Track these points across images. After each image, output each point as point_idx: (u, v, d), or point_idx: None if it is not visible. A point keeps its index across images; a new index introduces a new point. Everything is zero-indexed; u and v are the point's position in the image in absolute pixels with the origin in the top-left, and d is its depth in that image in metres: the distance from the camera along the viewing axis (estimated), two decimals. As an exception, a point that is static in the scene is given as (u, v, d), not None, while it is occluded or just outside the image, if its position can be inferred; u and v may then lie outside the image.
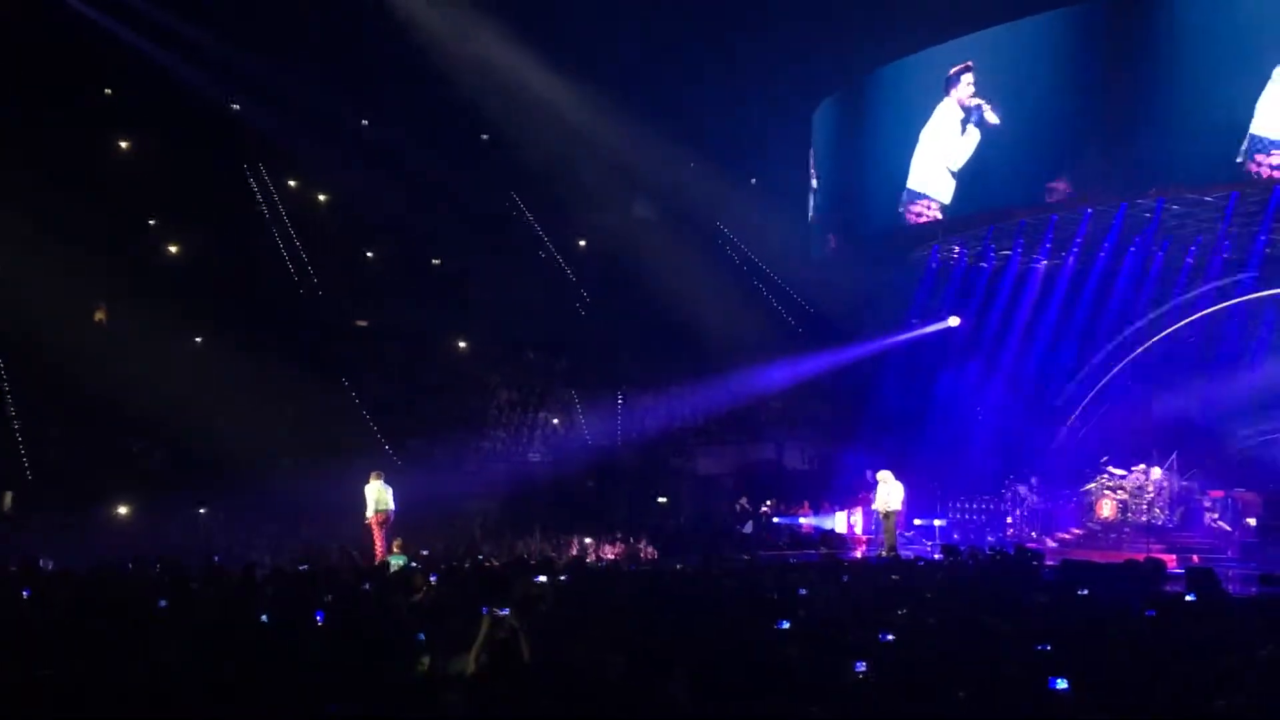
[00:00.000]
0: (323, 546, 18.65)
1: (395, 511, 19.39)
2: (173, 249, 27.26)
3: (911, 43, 25.04)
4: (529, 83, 27.42)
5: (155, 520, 20.92)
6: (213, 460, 22.02)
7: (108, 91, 27.35)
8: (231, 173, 28.38)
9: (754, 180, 32.34)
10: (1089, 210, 23.25)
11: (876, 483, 21.96)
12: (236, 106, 27.99)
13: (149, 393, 21.95)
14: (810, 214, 29.17)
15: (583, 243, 32.63)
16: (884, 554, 20.10)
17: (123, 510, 21.55)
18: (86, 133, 25.51)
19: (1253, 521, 21.08)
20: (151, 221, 27.37)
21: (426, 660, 7.93)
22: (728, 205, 31.99)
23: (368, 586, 12.23)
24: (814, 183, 28.84)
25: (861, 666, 7.34)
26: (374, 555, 18.60)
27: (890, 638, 8.66)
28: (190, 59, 26.34)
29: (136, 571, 14.38)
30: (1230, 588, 13.33)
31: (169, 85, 26.33)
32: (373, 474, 19.61)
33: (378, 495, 19.30)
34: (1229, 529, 21.31)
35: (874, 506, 22.03)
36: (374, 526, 19.18)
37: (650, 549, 22.17)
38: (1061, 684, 6.73)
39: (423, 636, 8.18)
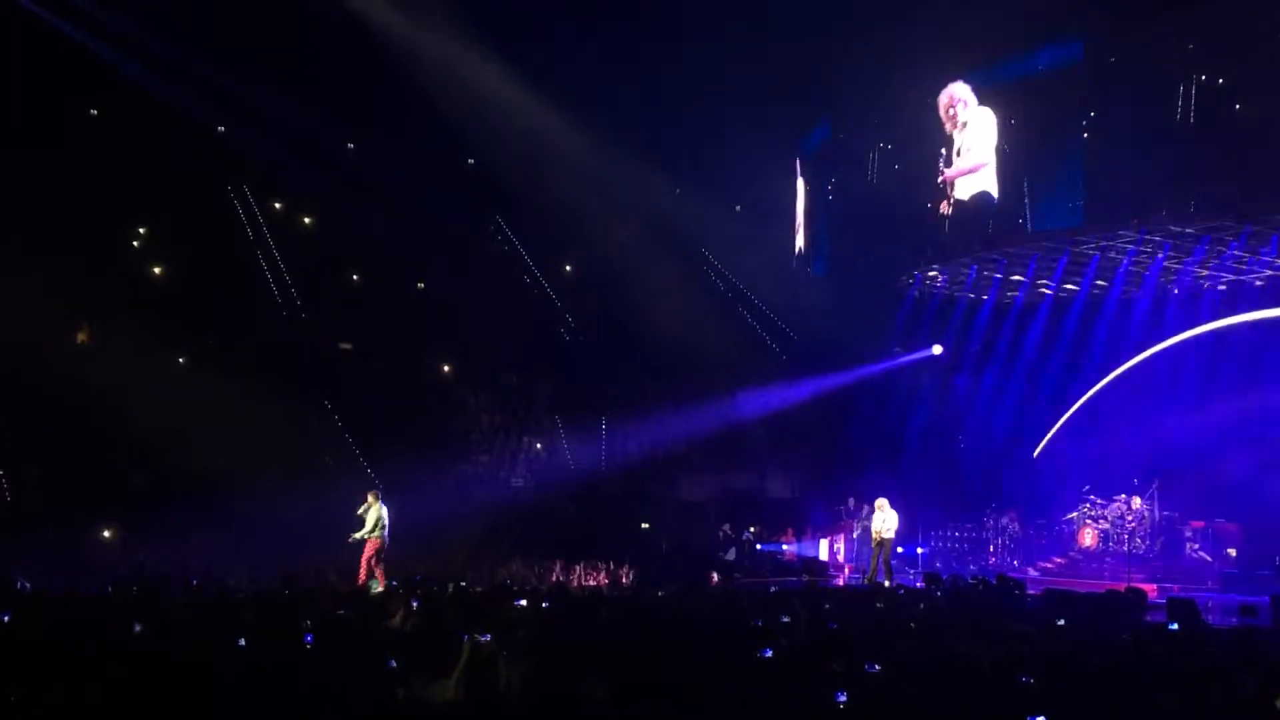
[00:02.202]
0: (302, 569, 18.52)
1: (382, 537, 19.15)
2: (156, 269, 27.19)
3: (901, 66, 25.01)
4: (515, 108, 27.48)
5: (136, 541, 20.81)
6: (194, 481, 21.92)
7: (94, 112, 27.30)
8: (216, 194, 28.33)
9: (738, 208, 32.43)
10: (1069, 244, 23.32)
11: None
12: (222, 129, 27.97)
13: (131, 413, 21.87)
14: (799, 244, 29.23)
15: (568, 268, 32.66)
16: (867, 580, 20.05)
17: (104, 531, 21.42)
18: (72, 153, 25.43)
19: (1233, 552, 21.15)
20: (135, 242, 27.31)
21: (401, 692, 7.84)
22: (712, 232, 32.07)
23: (342, 613, 12.13)
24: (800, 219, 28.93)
25: (843, 697, 7.30)
26: (358, 577, 18.46)
27: (874, 668, 8.62)
28: (176, 80, 26.31)
29: (114, 594, 14.27)
30: (1210, 618, 13.34)
31: (155, 106, 26.30)
32: (370, 494, 19.34)
33: (376, 516, 19.07)
34: (1210, 559, 21.36)
35: (872, 533, 21.79)
36: (369, 548, 18.93)
37: (632, 575, 22.12)
38: None
39: (394, 664, 8.06)
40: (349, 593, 15.34)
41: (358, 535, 18.82)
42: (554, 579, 20.80)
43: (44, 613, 11.36)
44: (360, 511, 18.99)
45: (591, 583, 21.01)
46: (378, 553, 18.75)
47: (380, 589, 16.51)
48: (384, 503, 19.17)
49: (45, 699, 7.24)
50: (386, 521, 18.97)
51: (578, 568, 22.11)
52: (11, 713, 6.96)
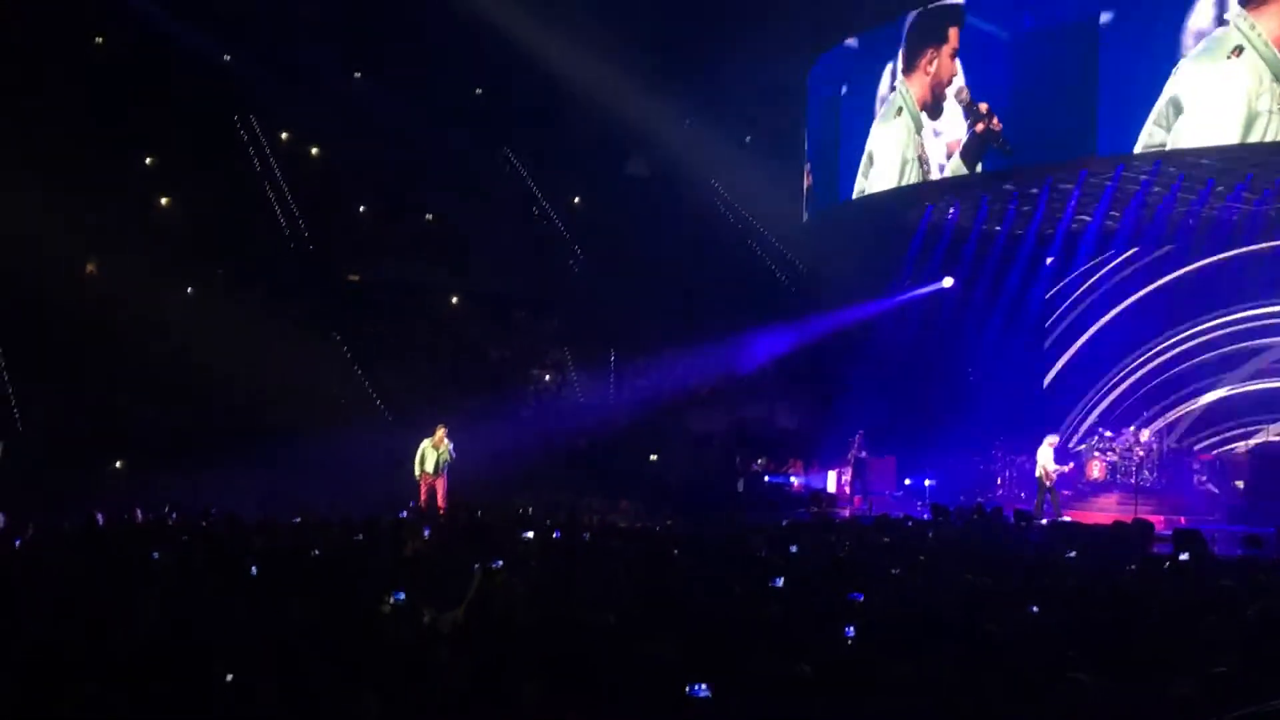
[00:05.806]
0: (315, 504, 18.66)
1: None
2: (164, 200, 27.12)
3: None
4: (524, 38, 27.16)
5: (147, 475, 20.94)
6: (204, 414, 22.02)
7: (98, 40, 27.08)
8: (222, 125, 28.14)
9: (748, 139, 32.11)
10: (1083, 173, 23.03)
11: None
12: (228, 58, 27.73)
13: (140, 344, 21.94)
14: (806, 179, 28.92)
15: (577, 199, 32.49)
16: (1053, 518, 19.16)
17: (115, 464, 21.58)
18: (76, 82, 25.25)
19: (1240, 484, 21.20)
20: (142, 174, 27.19)
21: (412, 617, 7.91)
22: (722, 164, 31.81)
23: (360, 537, 12.28)
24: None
25: (851, 631, 7.36)
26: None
27: (879, 597, 8.70)
28: (181, 8, 26.07)
29: (128, 523, 14.42)
30: (1216, 549, 13.40)
31: (160, 35, 26.06)
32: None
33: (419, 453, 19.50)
34: (1216, 492, 21.41)
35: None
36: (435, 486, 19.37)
37: (641, 507, 22.24)
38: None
39: (401, 596, 8.13)
40: (362, 522, 15.45)
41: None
42: (564, 511, 20.92)
43: (65, 543, 11.53)
44: None
45: (601, 514, 21.13)
46: (431, 487, 19.20)
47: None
48: (449, 440, 19.62)
49: (67, 626, 7.34)
50: (425, 457, 19.30)
51: (587, 499, 22.23)
52: (35, 639, 7.06)
